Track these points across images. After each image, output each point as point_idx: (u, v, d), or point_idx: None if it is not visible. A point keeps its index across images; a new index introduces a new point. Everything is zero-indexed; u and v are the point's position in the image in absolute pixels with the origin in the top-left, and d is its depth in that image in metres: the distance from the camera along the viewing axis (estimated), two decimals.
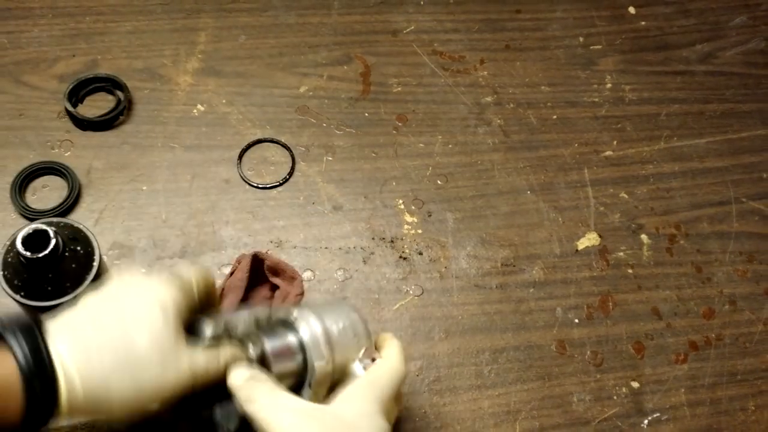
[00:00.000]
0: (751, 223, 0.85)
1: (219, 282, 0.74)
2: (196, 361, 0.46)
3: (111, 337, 0.44)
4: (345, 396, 0.49)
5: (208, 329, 0.50)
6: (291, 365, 0.51)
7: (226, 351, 0.49)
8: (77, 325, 0.44)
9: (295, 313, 0.53)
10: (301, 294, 0.70)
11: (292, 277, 0.70)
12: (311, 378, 0.51)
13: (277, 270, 0.70)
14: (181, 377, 0.45)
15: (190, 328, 0.50)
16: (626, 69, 0.95)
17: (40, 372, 0.41)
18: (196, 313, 0.51)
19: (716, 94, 0.95)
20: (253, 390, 0.47)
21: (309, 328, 0.51)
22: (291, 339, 0.52)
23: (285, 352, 0.51)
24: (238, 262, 0.71)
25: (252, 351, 0.50)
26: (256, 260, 0.68)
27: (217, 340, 0.50)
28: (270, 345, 0.51)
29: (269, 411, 0.46)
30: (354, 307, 0.56)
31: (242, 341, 0.51)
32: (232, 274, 0.69)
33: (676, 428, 0.71)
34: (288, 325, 0.53)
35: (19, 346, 0.41)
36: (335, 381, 0.52)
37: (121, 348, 0.44)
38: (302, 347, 0.51)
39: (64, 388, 0.42)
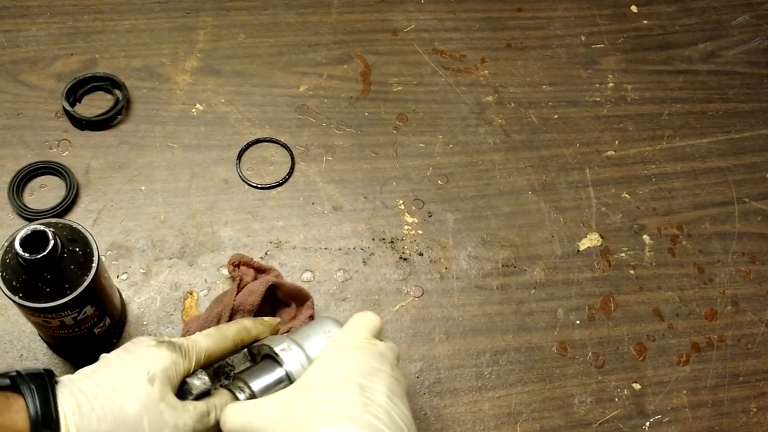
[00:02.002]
0: (753, 224, 0.85)
1: (217, 291, 0.74)
2: (184, 418, 0.50)
3: (104, 403, 0.48)
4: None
5: (196, 383, 0.53)
6: None
7: (215, 400, 0.53)
8: (78, 389, 0.48)
9: (278, 345, 0.56)
10: (311, 317, 0.70)
11: (304, 299, 0.70)
12: None
13: (291, 296, 0.70)
14: None
15: (184, 384, 0.54)
16: (628, 68, 0.95)
17: (46, 424, 0.45)
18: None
19: (719, 94, 0.94)
20: (229, 408, 0.53)
21: (293, 358, 0.56)
22: (278, 372, 0.56)
23: (272, 387, 0.55)
24: (235, 265, 0.71)
25: (241, 396, 0.55)
26: (269, 287, 0.69)
27: (203, 395, 0.54)
28: (257, 385, 0.55)
29: (248, 416, 0.51)
30: (336, 322, 0.59)
31: (230, 390, 0.55)
32: (239, 285, 0.69)
33: (677, 430, 0.71)
34: (273, 358, 0.57)
35: (32, 399, 0.45)
36: None
37: (114, 412, 0.48)
38: (289, 378, 0.55)
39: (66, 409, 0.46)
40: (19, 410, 0.45)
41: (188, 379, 0.53)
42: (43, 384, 0.46)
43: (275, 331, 0.62)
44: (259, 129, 0.84)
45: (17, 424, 0.44)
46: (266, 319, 0.62)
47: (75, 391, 0.48)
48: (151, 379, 0.50)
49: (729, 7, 1.02)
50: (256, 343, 0.59)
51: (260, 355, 0.59)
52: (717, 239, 0.83)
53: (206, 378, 0.54)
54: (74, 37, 0.87)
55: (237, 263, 0.71)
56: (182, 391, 0.53)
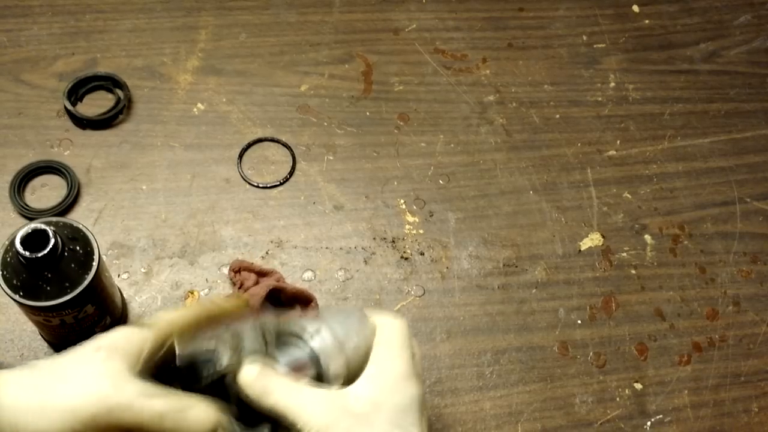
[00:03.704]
0: (755, 224, 0.84)
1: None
2: (125, 390, 0.42)
3: (38, 365, 0.43)
4: (363, 378, 0.47)
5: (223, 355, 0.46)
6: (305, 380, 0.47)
7: (201, 409, 0.43)
8: (18, 370, 0.43)
9: (305, 324, 0.49)
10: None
11: (308, 300, 0.70)
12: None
13: (294, 298, 0.70)
14: (88, 398, 0.41)
15: (191, 369, 0.46)
16: (630, 68, 0.94)
17: None
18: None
19: (720, 94, 0.94)
20: (268, 381, 0.44)
21: (320, 338, 0.48)
22: (302, 352, 0.48)
23: (298, 367, 0.48)
24: (235, 271, 0.71)
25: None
26: (272, 290, 0.69)
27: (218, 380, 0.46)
28: (283, 362, 0.48)
29: (290, 399, 0.43)
30: (362, 311, 0.52)
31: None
32: (239, 289, 0.69)
33: (679, 430, 0.71)
34: (295, 337, 0.50)
35: None
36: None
37: (41, 371, 0.43)
38: (315, 359, 0.48)
39: None
40: None
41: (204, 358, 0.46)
42: None
43: (245, 305, 0.54)
44: (261, 128, 0.84)
45: None
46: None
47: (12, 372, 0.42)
48: (96, 348, 0.43)
49: (731, 6, 1.02)
50: (277, 321, 0.51)
51: (277, 335, 0.51)
52: (718, 239, 0.83)
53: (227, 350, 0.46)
54: (76, 37, 0.87)
55: (237, 269, 0.71)
56: (192, 370, 0.46)
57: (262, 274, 0.71)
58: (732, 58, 0.98)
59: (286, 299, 0.70)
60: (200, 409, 0.43)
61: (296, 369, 0.47)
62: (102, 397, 0.41)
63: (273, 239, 0.77)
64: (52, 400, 0.41)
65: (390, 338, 0.48)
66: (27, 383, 0.42)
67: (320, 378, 0.47)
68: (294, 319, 0.51)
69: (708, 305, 0.78)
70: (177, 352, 0.46)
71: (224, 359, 0.46)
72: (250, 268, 0.71)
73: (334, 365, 0.47)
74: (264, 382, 0.44)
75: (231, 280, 0.72)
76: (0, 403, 0.40)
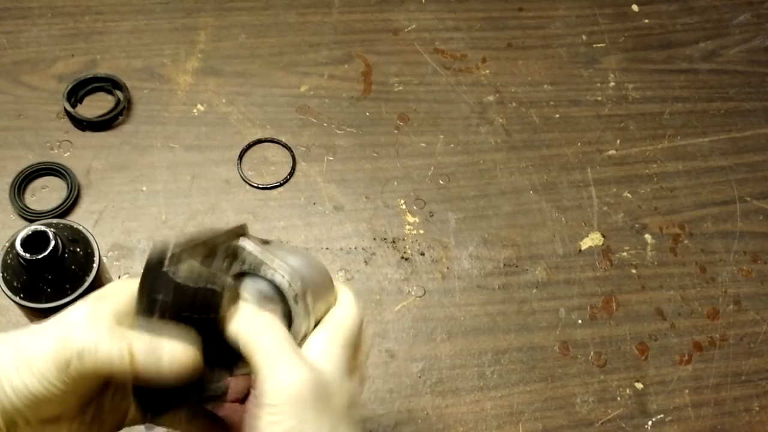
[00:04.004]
0: (755, 223, 0.84)
1: None
2: (117, 339, 0.37)
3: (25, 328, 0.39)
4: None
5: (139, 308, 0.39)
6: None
7: (176, 349, 0.38)
8: None
9: (278, 262, 0.43)
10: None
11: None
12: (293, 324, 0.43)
13: None
14: (61, 342, 0.37)
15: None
16: (629, 67, 0.94)
17: None
18: None
19: (720, 93, 0.94)
20: (237, 308, 0.40)
21: (292, 285, 0.42)
22: (269, 288, 0.43)
23: (263, 301, 0.42)
24: None
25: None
26: None
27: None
28: (250, 290, 0.42)
29: (253, 331, 0.39)
30: (315, 257, 0.48)
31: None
32: None
33: (680, 429, 0.71)
34: (267, 269, 0.43)
35: None
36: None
37: (30, 327, 0.39)
38: (280, 295, 0.43)
39: None
40: None
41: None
42: None
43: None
44: (260, 129, 0.84)
45: None
46: None
47: None
48: (84, 300, 0.40)
49: (730, 5, 1.02)
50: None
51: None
52: (719, 238, 0.83)
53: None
54: (75, 38, 0.87)
55: None
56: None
57: None
58: (731, 57, 0.98)
59: None
60: (176, 349, 0.38)
61: (261, 301, 0.42)
62: (73, 341, 0.37)
63: (273, 240, 0.77)
64: (32, 352, 0.37)
65: (344, 325, 0.44)
66: (7, 341, 0.38)
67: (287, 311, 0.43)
68: (268, 252, 0.44)
69: (708, 304, 0.78)
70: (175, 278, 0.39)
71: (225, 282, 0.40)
72: None
73: (298, 322, 0.42)
74: (233, 307, 0.40)
75: None
76: None
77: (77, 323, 0.38)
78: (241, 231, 0.44)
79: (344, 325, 0.43)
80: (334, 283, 0.47)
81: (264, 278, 0.42)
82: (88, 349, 0.37)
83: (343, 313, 0.44)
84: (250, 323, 0.39)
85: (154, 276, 0.38)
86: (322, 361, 0.41)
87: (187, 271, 0.38)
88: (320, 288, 0.44)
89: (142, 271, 0.38)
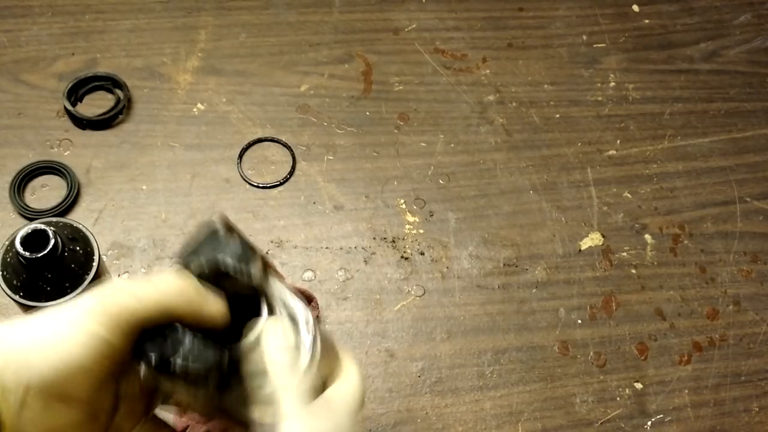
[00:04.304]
0: (755, 223, 0.84)
1: None
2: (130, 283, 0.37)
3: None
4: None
5: (193, 265, 0.41)
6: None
7: (217, 301, 0.40)
8: None
9: (306, 316, 0.44)
10: (318, 317, 0.70)
11: (308, 300, 0.70)
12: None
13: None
14: (99, 290, 0.37)
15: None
16: (630, 67, 0.94)
17: None
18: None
19: (720, 93, 0.94)
20: (283, 365, 0.40)
21: (312, 340, 0.44)
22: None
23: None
24: None
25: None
26: None
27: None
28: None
29: (275, 358, 0.40)
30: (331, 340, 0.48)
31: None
32: None
33: (679, 430, 0.71)
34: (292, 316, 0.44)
35: None
36: None
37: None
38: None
39: None
40: None
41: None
42: None
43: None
44: (261, 128, 0.83)
45: None
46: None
47: None
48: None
49: (731, 6, 1.02)
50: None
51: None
52: (719, 239, 0.83)
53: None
54: (75, 37, 0.87)
55: None
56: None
57: None
58: (732, 57, 0.98)
59: None
60: (217, 301, 0.41)
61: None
62: (111, 286, 0.37)
63: (273, 239, 0.77)
64: (52, 315, 0.36)
65: (345, 398, 0.43)
66: (34, 321, 0.36)
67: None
68: (297, 300, 0.45)
69: (708, 305, 0.78)
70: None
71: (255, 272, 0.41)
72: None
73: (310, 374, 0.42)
74: (281, 355, 0.40)
75: None
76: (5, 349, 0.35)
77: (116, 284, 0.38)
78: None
79: (350, 401, 0.43)
80: (343, 355, 0.47)
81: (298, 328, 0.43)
82: (143, 287, 0.37)
83: (349, 389, 0.44)
84: (281, 364, 0.40)
85: (211, 238, 0.41)
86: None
87: (236, 245, 0.41)
88: (329, 345, 0.45)
89: (198, 234, 0.41)
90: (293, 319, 0.43)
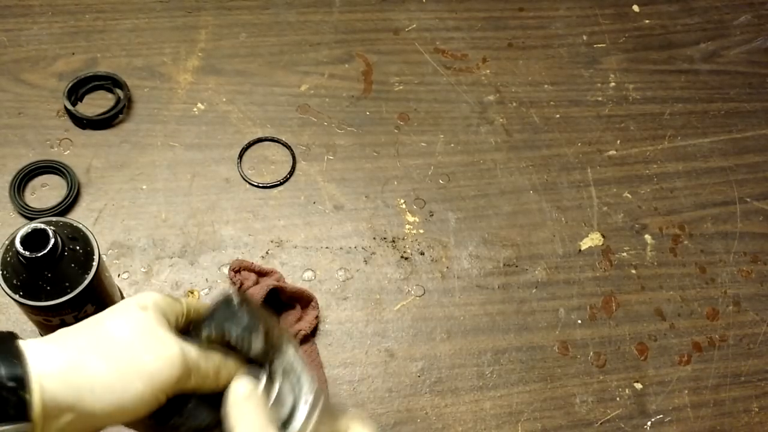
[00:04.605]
0: (755, 224, 0.84)
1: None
2: (188, 350, 0.42)
3: (83, 327, 0.40)
4: None
5: (204, 330, 0.46)
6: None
7: (227, 361, 0.45)
8: (51, 336, 0.40)
9: (309, 385, 0.48)
10: (317, 317, 0.71)
11: (308, 300, 0.70)
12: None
13: (295, 298, 0.70)
14: (170, 362, 0.40)
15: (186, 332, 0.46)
16: (630, 68, 0.94)
17: (4, 350, 0.36)
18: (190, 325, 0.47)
19: (720, 94, 0.94)
20: (245, 414, 0.43)
21: (311, 412, 0.46)
22: (290, 399, 0.47)
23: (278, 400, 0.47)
24: (235, 270, 0.71)
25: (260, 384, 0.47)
26: (272, 291, 0.69)
27: (212, 343, 0.46)
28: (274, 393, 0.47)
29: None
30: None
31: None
32: (239, 289, 0.69)
33: (679, 430, 0.71)
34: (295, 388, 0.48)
35: None
36: None
37: (95, 331, 0.40)
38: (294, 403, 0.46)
39: (31, 359, 0.37)
40: None
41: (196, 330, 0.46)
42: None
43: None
44: (261, 128, 0.83)
45: None
46: None
47: (45, 342, 0.39)
48: (143, 307, 0.42)
49: (731, 6, 1.02)
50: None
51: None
52: (719, 239, 0.83)
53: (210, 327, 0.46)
54: (76, 36, 0.87)
55: (237, 269, 0.71)
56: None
57: (262, 273, 0.71)
58: (732, 57, 0.98)
59: (286, 299, 0.70)
60: (231, 364, 0.45)
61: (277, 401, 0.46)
62: (179, 359, 0.41)
63: (273, 239, 0.77)
64: (129, 368, 0.39)
65: None
66: (81, 351, 0.39)
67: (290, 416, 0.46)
68: (306, 371, 0.49)
69: (708, 305, 0.78)
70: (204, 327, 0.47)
71: (257, 345, 0.46)
72: (250, 268, 0.71)
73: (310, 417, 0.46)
74: (242, 410, 0.43)
75: (231, 279, 0.72)
76: (41, 384, 0.36)
77: (166, 339, 0.42)
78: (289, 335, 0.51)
79: None
80: (355, 418, 0.48)
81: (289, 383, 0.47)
82: (195, 368, 0.42)
83: None
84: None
85: (225, 307, 0.47)
86: None
87: (244, 318, 0.46)
88: (333, 413, 0.48)
89: (214, 305, 0.47)
90: (294, 387, 0.47)
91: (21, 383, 0.35)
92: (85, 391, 0.38)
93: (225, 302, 0.47)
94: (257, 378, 0.47)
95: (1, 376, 0.35)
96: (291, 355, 0.49)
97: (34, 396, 0.35)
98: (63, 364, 0.38)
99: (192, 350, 0.43)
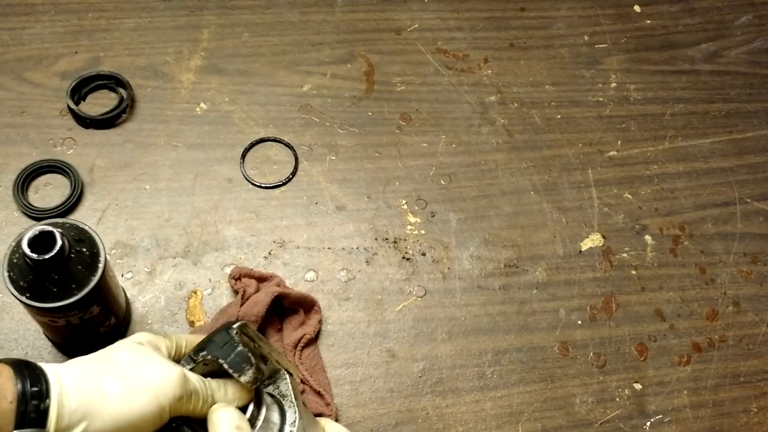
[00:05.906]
0: (755, 224, 0.85)
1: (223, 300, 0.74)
2: (187, 372, 0.51)
3: (93, 356, 0.50)
4: None
5: (200, 355, 0.54)
6: None
7: (224, 386, 0.53)
8: (66, 363, 0.49)
9: (296, 411, 0.55)
10: (320, 321, 0.72)
11: (311, 304, 0.71)
12: None
13: (297, 303, 0.71)
14: (171, 379, 0.49)
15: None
16: (631, 68, 0.95)
17: (29, 368, 0.45)
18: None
19: (721, 94, 0.94)
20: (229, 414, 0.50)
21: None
22: (277, 419, 0.55)
23: (265, 425, 0.54)
24: (236, 278, 0.71)
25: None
26: (276, 297, 0.69)
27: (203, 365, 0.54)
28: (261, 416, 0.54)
29: None
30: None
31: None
32: (242, 297, 0.69)
33: (678, 430, 0.72)
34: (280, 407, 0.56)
35: (16, 365, 0.45)
36: None
37: (103, 358, 0.49)
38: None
39: (50, 376, 0.45)
40: (7, 378, 0.44)
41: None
42: (26, 362, 0.46)
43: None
44: (263, 128, 0.84)
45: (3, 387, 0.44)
46: None
47: (62, 365, 0.48)
48: (139, 342, 0.52)
49: (732, 7, 1.02)
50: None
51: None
52: (719, 240, 0.83)
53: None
54: (79, 36, 0.87)
55: (237, 276, 0.72)
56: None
57: (262, 279, 0.72)
58: (733, 58, 0.98)
59: (289, 304, 0.71)
60: (231, 387, 0.53)
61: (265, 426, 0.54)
62: (180, 380, 0.49)
63: (275, 239, 0.77)
64: (135, 384, 0.47)
65: None
66: (93, 372, 0.47)
67: None
68: (298, 399, 0.57)
69: (708, 306, 0.79)
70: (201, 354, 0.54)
71: (248, 375, 0.52)
72: (249, 275, 0.71)
73: None
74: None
75: (232, 288, 0.72)
76: (59, 396, 0.44)
77: (166, 365, 0.50)
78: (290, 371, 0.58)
79: None
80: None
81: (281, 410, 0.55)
82: (193, 389, 0.50)
83: None
84: None
85: (224, 334, 0.53)
86: None
87: (238, 352, 0.52)
88: None
89: (214, 331, 0.54)
90: (282, 414, 0.55)
91: (41, 396, 0.43)
92: (96, 402, 0.45)
93: (224, 329, 0.53)
94: (259, 403, 0.54)
95: (26, 389, 0.43)
96: (284, 383, 0.56)
97: (51, 406, 0.43)
98: (77, 380, 0.46)
99: (191, 374, 0.51)
